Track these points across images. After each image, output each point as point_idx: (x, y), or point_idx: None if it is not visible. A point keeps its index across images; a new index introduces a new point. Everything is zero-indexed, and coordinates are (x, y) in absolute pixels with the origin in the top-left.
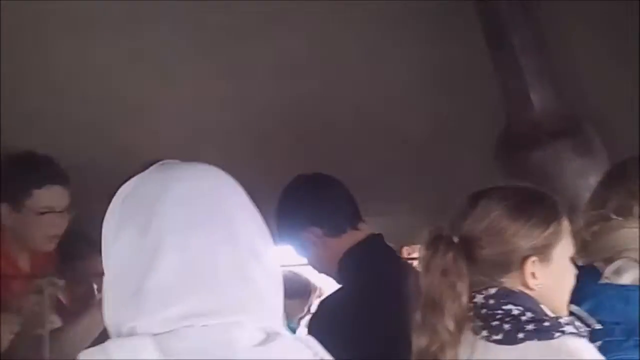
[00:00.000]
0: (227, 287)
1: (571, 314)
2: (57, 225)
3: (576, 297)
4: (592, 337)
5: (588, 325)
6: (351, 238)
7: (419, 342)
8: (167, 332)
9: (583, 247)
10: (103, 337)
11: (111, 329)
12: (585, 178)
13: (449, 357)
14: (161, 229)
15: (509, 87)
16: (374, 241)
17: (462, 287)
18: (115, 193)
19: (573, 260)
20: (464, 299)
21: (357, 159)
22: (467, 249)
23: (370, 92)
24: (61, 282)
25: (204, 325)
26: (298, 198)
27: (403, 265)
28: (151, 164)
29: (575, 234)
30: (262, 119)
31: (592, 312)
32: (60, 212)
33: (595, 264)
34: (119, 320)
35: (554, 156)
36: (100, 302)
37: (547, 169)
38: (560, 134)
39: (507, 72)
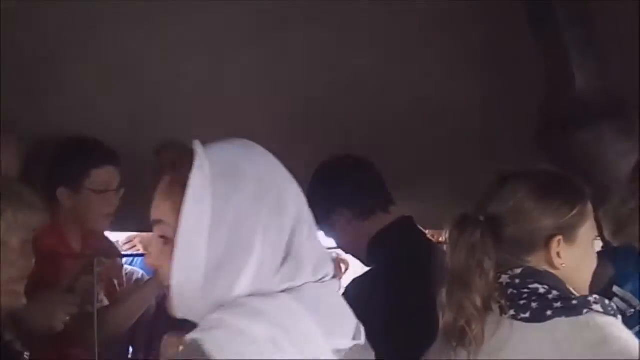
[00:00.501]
0: (323, 253)
1: (614, 295)
2: (113, 204)
3: (617, 279)
4: (632, 320)
5: (632, 307)
6: (381, 221)
7: (445, 318)
8: (301, 286)
9: (619, 228)
10: None
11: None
12: (627, 160)
13: (475, 332)
14: (295, 211)
15: (552, 65)
16: (404, 223)
17: (489, 265)
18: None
19: (605, 241)
20: (490, 276)
21: (389, 143)
22: (494, 228)
23: (407, 72)
24: (110, 262)
25: (322, 282)
26: (328, 180)
27: (433, 247)
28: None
29: (612, 215)
30: (300, 104)
31: (634, 294)
32: (114, 191)
33: (634, 245)
34: (269, 285)
35: (597, 137)
36: (145, 282)
37: (590, 150)
38: (605, 114)
39: (550, 49)
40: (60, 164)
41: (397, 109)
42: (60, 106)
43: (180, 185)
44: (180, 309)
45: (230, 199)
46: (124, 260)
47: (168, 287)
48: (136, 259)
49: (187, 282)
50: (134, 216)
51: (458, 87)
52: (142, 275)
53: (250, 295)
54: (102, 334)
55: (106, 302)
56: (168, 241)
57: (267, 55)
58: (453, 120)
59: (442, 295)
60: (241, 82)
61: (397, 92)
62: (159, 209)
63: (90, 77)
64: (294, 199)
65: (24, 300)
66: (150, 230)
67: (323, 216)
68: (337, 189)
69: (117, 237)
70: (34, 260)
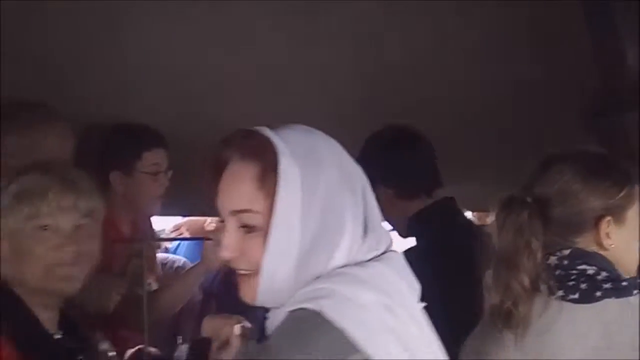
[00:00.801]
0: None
1: None
2: (163, 186)
3: None
4: None
5: None
6: (423, 201)
7: (491, 299)
8: (384, 253)
9: None
10: None
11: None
12: None
13: (522, 312)
14: (361, 186)
15: (603, 45)
16: (446, 204)
17: (537, 246)
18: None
19: None
20: (538, 257)
21: (436, 126)
22: (541, 209)
23: (454, 54)
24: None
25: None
26: (377, 151)
27: (474, 230)
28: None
29: None
30: (344, 86)
31: None
32: (164, 172)
33: None
34: (358, 256)
35: None
36: (191, 268)
37: None
38: None
39: (601, 29)
40: (111, 148)
41: (443, 91)
42: (109, 92)
43: (269, 173)
44: (265, 295)
45: (319, 181)
46: (169, 247)
47: (244, 276)
48: (181, 246)
49: (280, 267)
50: (180, 200)
51: (505, 69)
52: (183, 263)
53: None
54: (150, 317)
55: (154, 286)
56: (252, 230)
57: (315, 36)
58: (500, 103)
59: (488, 277)
60: (278, 67)
61: (444, 74)
62: (244, 198)
63: (138, 63)
64: (359, 174)
65: (77, 285)
66: (198, 215)
67: None
68: (382, 163)
69: (163, 224)
70: (93, 246)
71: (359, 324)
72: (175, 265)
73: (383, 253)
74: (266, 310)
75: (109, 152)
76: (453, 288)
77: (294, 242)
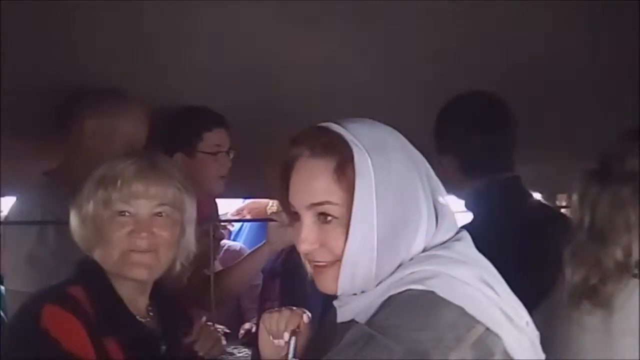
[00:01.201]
0: None
1: None
2: (226, 165)
3: None
4: None
5: None
6: (486, 179)
7: (573, 276)
8: (458, 233)
9: None
10: None
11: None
12: None
13: (609, 290)
14: (425, 170)
15: None
16: (511, 183)
17: (635, 220)
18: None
19: None
20: (636, 232)
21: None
22: (633, 183)
23: (532, 27)
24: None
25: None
26: (455, 119)
27: (536, 210)
28: None
29: None
30: (403, 70)
31: None
32: (226, 152)
33: None
34: (436, 239)
35: None
36: (256, 250)
37: None
38: None
39: None
40: (173, 130)
41: (520, 66)
42: (175, 75)
43: (345, 166)
44: (346, 285)
45: (390, 170)
46: (232, 230)
47: (322, 267)
48: (243, 229)
49: (361, 256)
50: (242, 182)
51: (583, 44)
52: (240, 248)
53: (423, 250)
54: (217, 296)
55: (219, 267)
56: (330, 221)
57: (373, 20)
58: (577, 79)
59: (569, 253)
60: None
61: (521, 48)
62: (322, 191)
63: (204, 46)
64: (421, 160)
65: (152, 272)
66: (260, 197)
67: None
68: (454, 134)
69: (226, 207)
70: (171, 234)
71: (470, 299)
72: (232, 249)
73: (456, 233)
74: (328, 296)
75: (171, 134)
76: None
77: (374, 230)
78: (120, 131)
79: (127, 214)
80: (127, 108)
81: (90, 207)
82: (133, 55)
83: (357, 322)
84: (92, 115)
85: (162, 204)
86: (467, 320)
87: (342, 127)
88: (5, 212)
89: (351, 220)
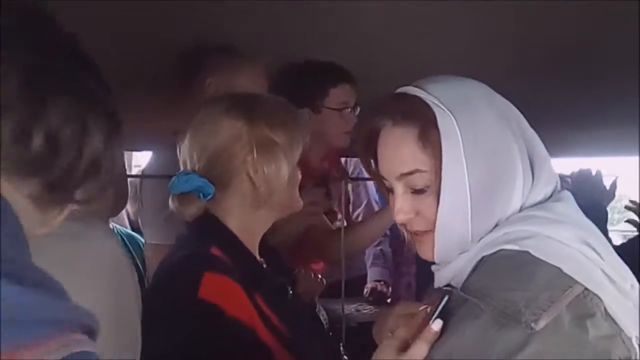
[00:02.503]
0: None
1: None
2: (351, 121)
3: None
4: None
5: None
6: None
7: None
8: (555, 192)
9: None
10: None
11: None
12: None
13: None
14: (516, 121)
15: None
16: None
17: None
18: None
19: None
20: None
21: None
22: None
23: None
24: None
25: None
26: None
27: None
28: None
29: None
30: (518, 34)
31: None
32: (352, 108)
33: None
34: (533, 198)
35: None
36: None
37: None
38: None
39: None
40: (299, 86)
41: None
42: (299, 34)
43: (429, 131)
44: (443, 251)
45: (477, 127)
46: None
47: (419, 235)
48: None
49: (455, 221)
50: None
51: None
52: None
53: (521, 208)
54: (344, 251)
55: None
56: (422, 190)
57: None
58: None
59: None
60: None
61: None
62: (409, 160)
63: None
64: (511, 109)
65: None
66: None
67: None
68: None
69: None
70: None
71: (568, 259)
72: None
73: (554, 192)
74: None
75: (297, 90)
76: None
77: (466, 193)
78: (240, 88)
79: None
80: (245, 65)
81: None
82: (258, 16)
83: (452, 289)
84: (212, 73)
85: None
86: (563, 280)
87: (422, 89)
88: (143, 166)
89: (441, 186)
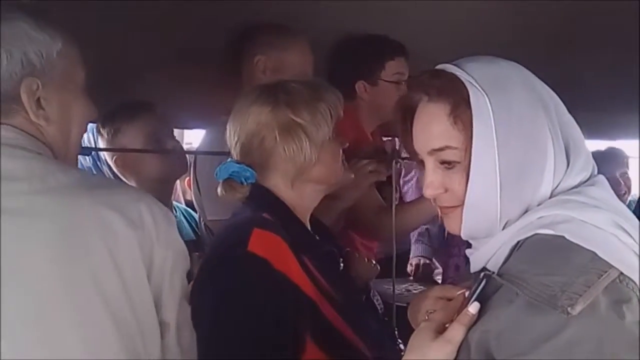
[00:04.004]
0: None
1: None
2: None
3: None
4: None
5: None
6: None
7: None
8: (591, 177)
9: None
10: None
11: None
12: None
13: None
14: (554, 105)
15: None
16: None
17: None
18: None
19: None
20: None
21: None
22: None
23: None
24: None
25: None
26: None
27: None
28: None
29: None
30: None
31: None
32: (405, 82)
33: None
34: (567, 181)
35: None
36: None
37: None
38: None
39: None
40: (356, 59)
41: None
42: (354, 10)
43: (461, 108)
44: (470, 228)
45: (511, 107)
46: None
47: (448, 210)
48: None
49: (483, 198)
50: None
51: None
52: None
53: (552, 193)
54: (389, 230)
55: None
56: (452, 166)
57: None
58: None
59: None
60: None
61: None
62: (441, 136)
63: None
64: (549, 93)
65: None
66: None
67: None
68: None
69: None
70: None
71: (603, 244)
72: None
73: (590, 177)
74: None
75: (354, 62)
76: None
77: (496, 173)
78: (288, 64)
79: None
80: (292, 42)
81: None
82: None
83: (487, 273)
84: (261, 51)
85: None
86: (599, 265)
87: (458, 67)
88: (195, 144)
89: (471, 163)
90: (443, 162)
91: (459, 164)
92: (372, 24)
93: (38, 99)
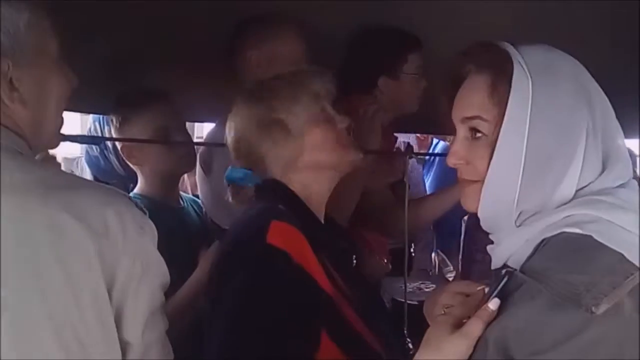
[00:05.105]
0: None
1: None
2: (422, 87)
3: None
4: None
5: None
6: None
7: None
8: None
9: None
10: None
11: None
12: None
13: None
14: (601, 108)
15: None
16: None
17: None
18: None
19: None
20: None
21: None
22: None
23: None
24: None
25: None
26: None
27: None
28: None
29: None
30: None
31: None
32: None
33: None
34: (602, 183)
35: None
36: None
37: None
38: None
39: None
40: (378, 52)
41: None
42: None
43: (501, 82)
44: (487, 206)
45: (552, 96)
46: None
47: (468, 183)
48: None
49: (504, 177)
50: None
51: None
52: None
53: (580, 191)
54: (410, 225)
55: None
56: (480, 138)
57: None
58: None
59: None
60: None
61: None
62: (475, 105)
63: None
64: (600, 95)
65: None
66: None
67: None
68: None
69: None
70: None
71: (631, 245)
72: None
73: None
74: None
75: (375, 56)
76: None
77: (521, 155)
78: (279, 55)
79: None
80: (281, 32)
81: None
82: None
83: (509, 270)
84: (253, 46)
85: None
86: (626, 266)
87: (514, 46)
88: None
89: (498, 140)
90: (472, 131)
91: (486, 137)
92: (375, 16)
93: (10, 80)
